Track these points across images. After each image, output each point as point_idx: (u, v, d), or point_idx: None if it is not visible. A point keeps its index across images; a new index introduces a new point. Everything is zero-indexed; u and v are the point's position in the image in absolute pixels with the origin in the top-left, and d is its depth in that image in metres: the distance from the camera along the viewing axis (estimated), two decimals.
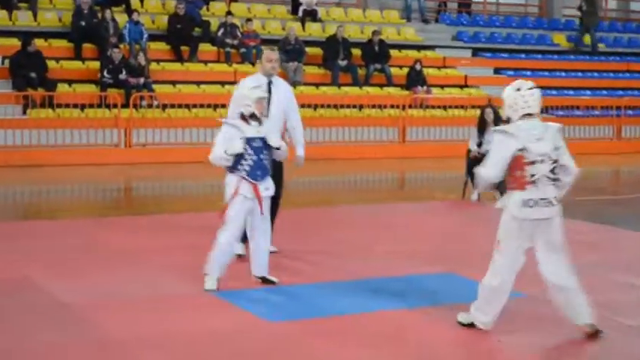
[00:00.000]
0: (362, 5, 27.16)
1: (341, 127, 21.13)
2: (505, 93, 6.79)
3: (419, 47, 25.61)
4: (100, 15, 21.39)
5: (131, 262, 9.27)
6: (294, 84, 22.13)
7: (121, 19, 21.69)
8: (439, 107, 23.01)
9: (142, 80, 20.16)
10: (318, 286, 8.39)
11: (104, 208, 13.87)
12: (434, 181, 16.27)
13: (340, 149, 20.69)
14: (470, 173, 14.13)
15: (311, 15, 24.94)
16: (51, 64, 20.16)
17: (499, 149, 6.67)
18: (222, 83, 21.65)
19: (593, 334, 6.76)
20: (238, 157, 7.86)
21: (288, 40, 22.71)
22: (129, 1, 22.69)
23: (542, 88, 23.44)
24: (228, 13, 23.43)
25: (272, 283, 8.26)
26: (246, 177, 7.88)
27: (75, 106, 19.60)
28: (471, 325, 6.94)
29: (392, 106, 22.27)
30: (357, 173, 18.39)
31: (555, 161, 6.60)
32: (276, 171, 9.20)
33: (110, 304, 7.64)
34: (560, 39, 28.68)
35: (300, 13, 24.87)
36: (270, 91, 9.29)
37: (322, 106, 21.73)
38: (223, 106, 20.71)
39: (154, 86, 20.59)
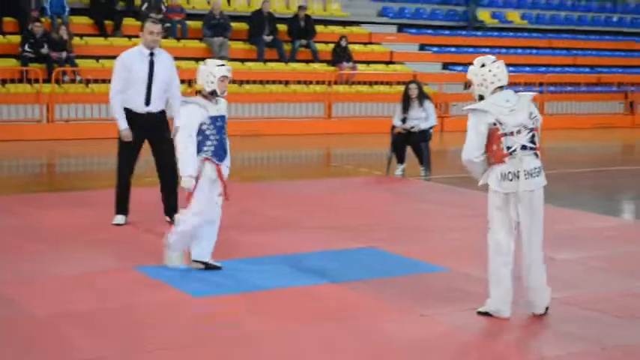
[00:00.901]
0: None
1: (267, 103, 21.18)
2: (471, 73, 6.78)
3: (344, 23, 25.68)
4: None
5: (56, 239, 9.24)
6: (220, 59, 22.11)
7: None
8: (365, 83, 23.13)
9: (64, 55, 19.95)
10: (245, 262, 8.44)
11: (26, 184, 13.73)
12: (359, 156, 16.38)
13: (266, 125, 20.73)
14: (394, 149, 14.27)
15: None
16: None
17: (474, 126, 6.63)
18: None
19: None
20: (203, 139, 7.71)
21: (213, 15, 22.62)
22: None
23: (466, 65, 23.75)
24: None
25: (218, 268, 7.99)
26: (211, 157, 7.77)
27: None
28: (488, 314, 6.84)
29: (318, 82, 22.33)
30: (283, 149, 18.46)
31: (532, 129, 6.64)
32: (161, 138, 9.64)
33: (36, 281, 7.62)
34: (485, 16, 28.94)
35: None
36: (152, 63, 9.44)
37: (248, 82, 21.76)
38: None
39: (77, 61, 20.38)
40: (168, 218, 9.85)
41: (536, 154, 6.67)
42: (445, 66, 25.98)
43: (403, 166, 14.30)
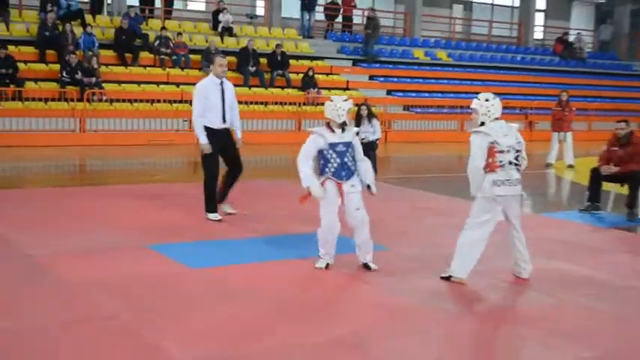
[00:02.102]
0: (268, 24, 27.06)
1: (250, 119, 21.11)
2: (476, 104, 7.09)
3: (311, 58, 25.65)
4: (60, 27, 20.96)
5: (85, 222, 9.18)
6: None
7: (78, 30, 21.24)
8: None
9: (93, 80, 19.81)
10: (233, 242, 8.43)
11: (63, 180, 13.63)
12: None
13: (250, 136, 20.54)
14: None
15: (228, 31, 24.77)
16: (21, 65, 19.64)
17: (478, 143, 6.93)
18: (157, 83, 21.52)
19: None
20: (324, 162, 7.31)
21: (210, 50, 22.53)
22: (84, 16, 22.25)
23: (404, 91, 23.58)
24: (163, 28, 23.14)
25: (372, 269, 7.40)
26: (332, 177, 7.29)
27: (39, 99, 19.22)
28: (448, 279, 7.05)
29: (290, 104, 22.28)
30: (263, 155, 18.40)
31: (518, 151, 6.98)
32: (232, 145, 9.65)
33: (66, 254, 7.57)
34: (419, 54, 29.02)
35: (220, 29, 24.68)
36: (223, 90, 9.42)
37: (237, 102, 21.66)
38: (158, 101, 20.62)
39: (104, 85, 20.23)
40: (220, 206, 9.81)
41: (517, 169, 7.02)
42: (389, 92, 26.01)
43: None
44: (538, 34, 36.50)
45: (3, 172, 14.50)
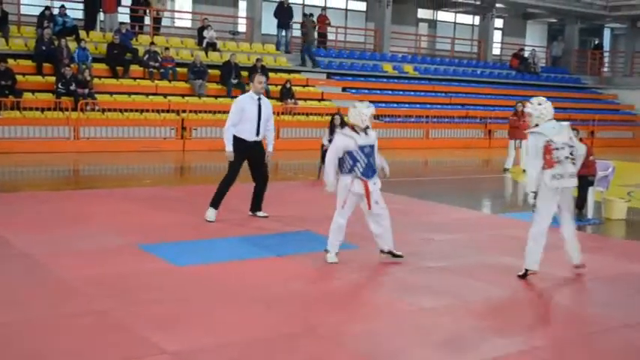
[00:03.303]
0: (249, 40, 27.04)
1: None
2: (531, 108, 7.24)
3: (289, 71, 25.65)
4: (56, 42, 20.80)
5: (81, 223, 9.15)
6: (199, 96, 22.05)
7: (72, 45, 21.10)
8: (303, 114, 23.16)
9: (87, 91, 19.65)
10: (221, 241, 8.44)
11: (60, 183, 13.55)
12: (298, 166, 16.40)
13: None
14: (323, 161, 14.31)
15: (212, 46, 24.72)
16: (19, 78, 19.48)
17: (535, 143, 7.08)
18: (147, 94, 21.39)
19: (581, 267, 7.39)
20: (353, 162, 7.36)
21: (195, 64, 22.51)
22: (78, 32, 22.13)
23: (374, 102, 23.68)
24: (152, 43, 23.04)
25: (400, 257, 7.62)
26: (360, 176, 7.37)
27: (36, 109, 19.00)
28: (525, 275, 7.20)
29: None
30: None
31: (572, 146, 7.13)
32: (261, 157, 9.61)
33: (63, 254, 7.55)
34: (388, 67, 29.13)
35: (204, 45, 24.64)
36: (260, 105, 9.45)
37: (220, 112, 21.61)
38: (147, 111, 20.54)
39: (96, 95, 20.06)
40: (251, 213, 9.85)
41: (573, 163, 7.15)
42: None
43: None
44: (496, 50, 36.75)
45: (2, 177, 14.40)
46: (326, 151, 14.06)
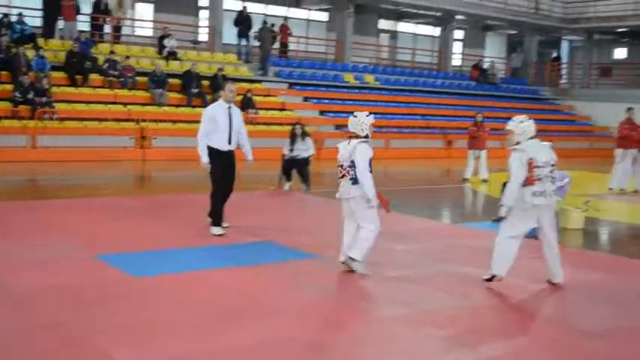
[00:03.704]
0: (210, 49, 26.95)
1: (193, 136, 20.77)
2: (513, 126, 7.30)
3: (251, 81, 25.61)
4: (14, 50, 20.53)
5: (38, 234, 9.00)
6: (159, 105, 21.89)
7: (30, 53, 20.83)
8: (264, 124, 23.11)
9: (45, 99, 19.42)
10: (179, 251, 8.36)
11: (17, 193, 13.30)
12: (258, 176, 16.28)
13: (192, 152, 20.24)
14: (284, 171, 14.32)
15: (173, 55, 24.59)
16: None
17: (518, 160, 7.13)
18: (106, 103, 21.21)
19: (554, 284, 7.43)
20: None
21: (156, 73, 22.37)
22: (36, 40, 21.86)
23: (336, 112, 23.61)
24: (112, 52, 22.89)
25: (355, 270, 7.51)
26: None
27: None
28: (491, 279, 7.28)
29: None
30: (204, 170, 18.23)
31: (552, 165, 7.20)
32: (232, 167, 9.47)
33: (19, 265, 7.41)
34: (349, 78, 29.24)
35: (165, 54, 24.49)
36: (230, 114, 9.37)
37: (180, 121, 21.54)
38: (106, 120, 20.33)
39: (55, 104, 19.82)
40: (209, 219, 9.62)
41: (552, 182, 7.23)
42: (321, 112, 26.10)
43: (290, 183, 14.35)
44: (456, 61, 37.15)
45: None
46: (287, 161, 14.23)
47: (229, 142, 9.40)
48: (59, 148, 18.90)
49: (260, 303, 6.48)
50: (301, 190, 14.25)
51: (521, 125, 7.28)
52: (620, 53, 41.64)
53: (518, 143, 7.24)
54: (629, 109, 17.03)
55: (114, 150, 19.67)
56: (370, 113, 7.69)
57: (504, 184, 11.46)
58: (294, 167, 14.35)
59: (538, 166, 7.12)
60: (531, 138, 7.26)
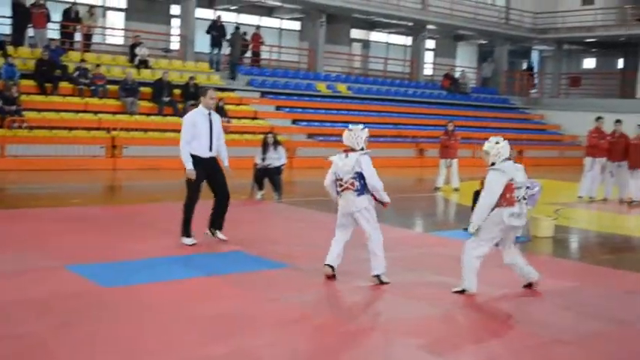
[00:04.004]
0: (182, 57, 26.84)
1: (164, 145, 20.84)
2: (489, 147, 7.32)
3: (223, 89, 25.52)
4: None
5: (5, 244, 8.86)
6: (130, 114, 21.74)
7: None
8: (236, 133, 23.04)
9: (14, 107, 19.22)
10: (148, 261, 8.27)
11: None
12: (230, 185, 16.33)
13: (163, 161, 20.35)
14: (256, 179, 14.26)
15: (144, 63, 24.46)
16: None
17: (497, 181, 7.13)
18: (76, 112, 21.02)
19: (531, 284, 7.52)
20: (365, 182, 7.56)
21: (127, 81, 22.23)
22: (5, 47, 21.60)
23: (309, 121, 23.59)
24: (82, 60, 22.73)
25: (385, 282, 7.57)
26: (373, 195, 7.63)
27: None
28: (463, 292, 7.27)
29: None
30: (176, 178, 18.13)
31: (528, 187, 7.31)
32: (220, 173, 9.39)
33: None
34: (322, 87, 29.28)
35: (136, 62, 24.36)
36: (211, 120, 9.27)
37: (151, 130, 21.42)
38: (76, 128, 20.14)
39: (24, 112, 19.62)
40: (210, 232, 9.52)
41: (526, 203, 7.35)
42: (294, 121, 26.12)
43: (262, 192, 14.30)
44: (428, 70, 37.39)
45: None
46: (259, 169, 14.19)
47: (210, 149, 9.32)
48: (28, 157, 18.69)
49: (231, 313, 6.42)
50: (273, 199, 14.20)
51: (497, 147, 7.31)
52: (589, 63, 42.21)
53: (493, 164, 7.28)
54: (598, 118, 17.22)
55: (84, 159, 19.48)
56: (365, 126, 7.79)
57: (476, 193, 11.59)
58: (267, 176, 14.31)
59: (518, 187, 7.20)
60: (506, 159, 7.30)
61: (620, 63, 40.25)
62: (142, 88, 22.68)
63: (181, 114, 22.75)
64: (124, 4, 28.42)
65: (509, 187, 7.14)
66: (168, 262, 8.29)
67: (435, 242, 10.51)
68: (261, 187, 14.29)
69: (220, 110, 23.12)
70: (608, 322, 6.66)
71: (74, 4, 25.34)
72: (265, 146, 14.31)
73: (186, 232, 9.30)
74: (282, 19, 33.01)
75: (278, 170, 14.37)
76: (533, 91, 39.60)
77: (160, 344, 5.46)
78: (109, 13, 28.60)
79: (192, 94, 23.31)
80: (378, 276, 7.59)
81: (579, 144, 29.21)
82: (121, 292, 6.88)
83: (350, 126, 7.81)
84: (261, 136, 15.20)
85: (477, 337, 6.13)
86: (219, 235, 9.56)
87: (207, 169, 9.33)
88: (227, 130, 22.63)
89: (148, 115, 22.32)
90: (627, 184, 16.41)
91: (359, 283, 7.64)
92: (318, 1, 29.48)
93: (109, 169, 19.55)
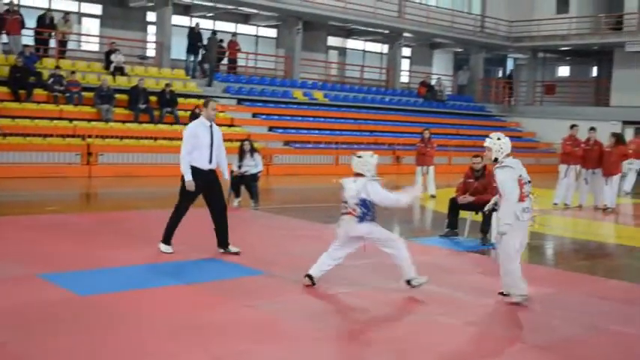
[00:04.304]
0: (158, 64, 26.74)
1: (140, 153, 20.76)
2: (490, 143, 7.31)
3: (199, 97, 25.40)
4: None
5: None
6: (106, 121, 21.60)
7: None
8: None
9: None
10: (124, 269, 8.21)
11: None
12: None
13: (139, 169, 20.27)
14: (233, 187, 14.20)
15: (120, 70, 24.33)
16: None
17: (510, 177, 7.10)
18: (51, 119, 20.85)
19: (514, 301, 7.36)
20: (373, 208, 7.58)
21: (102, 88, 22.09)
22: None
23: (285, 128, 23.68)
24: (57, 67, 22.56)
25: (416, 286, 7.60)
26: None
27: None
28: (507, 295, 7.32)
29: (178, 139, 21.80)
30: (152, 186, 18.07)
31: (530, 182, 7.25)
32: (218, 186, 9.29)
33: None
34: (298, 94, 29.29)
35: (112, 69, 24.22)
36: (212, 132, 9.22)
37: (127, 137, 21.29)
38: (51, 135, 19.98)
39: None
40: (222, 250, 9.33)
41: (530, 199, 7.31)
42: (270, 129, 26.10)
43: (239, 199, 14.26)
44: (404, 78, 37.54)
45: None
46: (236, 177, 14.14)
47: (210, 161, 9.24)
48: (2, 165, 18.52)
49: (208, 321, 6.39)
50: (250, 206, 14.17)
51: (499, 142, 7.31)
52: (564, 71, 42.60)
53: (495, 160, 7.28)
54: (573, 125, 17.37)
55: (59, 166, 19.32)
56: (374, 155, 7.82)
57: (452, 200, 11.66)
58: (243, 183, 14.28)
59: (526, 183, 7.20)
60: (508, 155, 7.30)
61: (594, 71, 40.68)
62: (117, 95, 22.57)
63: (157, 121, 22.77)
64: (99, 11, 28.26)
65: (519, 183, 7.14)
66: (144, 270, 8.23)
67: (411, 249, 10.45)
68: (237, 194, 14.25)
69: (196, 117, 23.02)
70: (583, 327, 6.71)
71: (49, 10, 25.17)
72: (242, 153, 14.30)
73: (167, 239, 9.25)
74: (258, 26, 33.00)
75: (255, 177, 14.35)
76: (512, 98, 39.82)
77: (136, 353, 5.41)
78: (85, 19, 28.41)
79: (168, 100, 23.26)
80: (408, 281, 7.59)
81: (554, 151, 29.49)
82: (97, 301, 6.82)
83: (359, 153, 7.79)
84: (238, 144, 15.17)
85: (456, 345, 6.14)
86: (232, 249, 9.36)
87: (206, 181, 9.26)
88: None
89: (124, 122, 22.20)
90: (602, 191, 16.56)
91: (336, 289, 7.63)
92: (294, 9, 29.54)
93: (84, 177, 19.41)
